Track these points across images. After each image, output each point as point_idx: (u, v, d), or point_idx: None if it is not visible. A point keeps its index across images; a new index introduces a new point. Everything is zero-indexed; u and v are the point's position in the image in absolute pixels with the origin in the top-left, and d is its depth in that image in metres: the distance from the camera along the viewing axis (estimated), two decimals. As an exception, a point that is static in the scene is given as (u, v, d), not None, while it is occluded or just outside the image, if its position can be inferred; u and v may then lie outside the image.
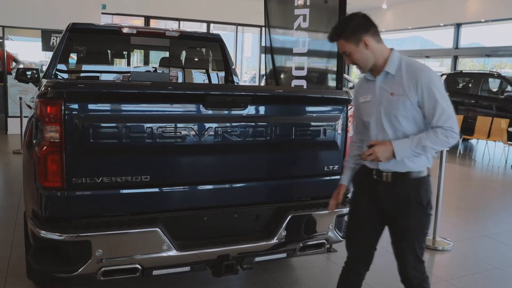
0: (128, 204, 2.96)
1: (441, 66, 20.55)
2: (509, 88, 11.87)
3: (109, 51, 6.55)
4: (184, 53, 6.81)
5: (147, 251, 2.90)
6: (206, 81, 6.79)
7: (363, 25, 2.73)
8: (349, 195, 3.18)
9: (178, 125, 2.95)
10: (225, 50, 6.16)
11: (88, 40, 5.92)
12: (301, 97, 3.51)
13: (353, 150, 3.07)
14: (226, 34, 22.26)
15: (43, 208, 2.79)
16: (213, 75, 6.70)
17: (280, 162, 3.36)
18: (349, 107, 3.48)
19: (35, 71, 5.49)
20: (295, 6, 5.20)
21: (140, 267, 2.89)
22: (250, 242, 3.21)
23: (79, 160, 2.77)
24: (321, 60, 5.21)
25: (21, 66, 12.41)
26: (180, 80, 6.75)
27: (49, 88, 2.70)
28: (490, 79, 12.70)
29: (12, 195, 6.38)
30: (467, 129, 11.29)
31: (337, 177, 3.51)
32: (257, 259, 3.27)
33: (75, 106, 2.71)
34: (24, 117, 8.79)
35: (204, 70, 6.87)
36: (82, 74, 6.48)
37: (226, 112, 3.09)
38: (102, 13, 14.09)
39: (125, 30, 5.51)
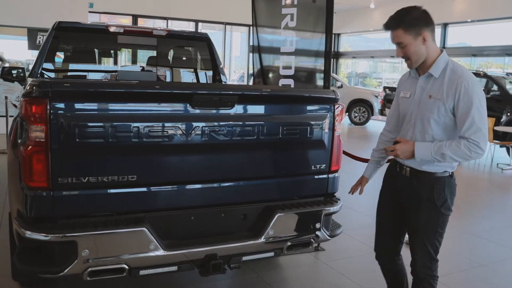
0: (114, 203, 2.94)
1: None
2: (495, 87, 11.97)
3: (96, 50, 6.52)
4: (171, 52, 6.79)
5: (134, 251, 2.88)
6: (194, 80, 6.78)
7: (424, 19, 2.72)
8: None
9: (165, 124, 2.93)
10: (213, 49, 6.15)
11: (75, 39, 5.88)
12: (288, 96, 3.50)
13: (380, 142, 3.25)
14: (215, 33, 22.25)
15: (28, 208, 2.76)
16: (201, 74, 6.69)
17: (267, 161, 3.35)
18: (336, 106, 3.48)
19: (20, 70, 5.43)
20: (282, 5, 5.19)
21: (127, 267, 2.88)
22: (237, 241, 3.20)
23: (65, 159, 2.75)
24: (308, 59, 5.21)
25: (6, 64, 12.29)
26: (168, 79, 6.73)
27: (34, 87, 2.67)
28: (477, 79, 12.79)
29: (-2, 195, 6.33)
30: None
31: (324, 176, 3.53)
32: (245, 258, 3.27)
33: (61, 105, 2.69)
34: (10, 116, 8.72)
35: (192, 69, 6.85)
36: (68, 73, 6.43)
37: (213, 111, 3.08)
38: (89, 12, 14.00)
39: (112, 29, 5.48)
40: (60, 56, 6.35)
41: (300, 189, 3.52)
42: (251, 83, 7.36)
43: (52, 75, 5.91)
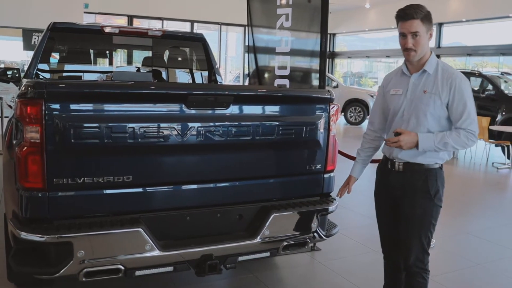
0: (110, 204, 2.94)
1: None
2: (490, 87, 12.00)
3: (91, 51, 6.50)
4: (167, 53, 6.79)
5: (130, 252, 2.88)
6: (190, 81, 6.77)
7: (432, 19, 2.92)
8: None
9: (161, 125, 2.93)
10: (208, 49, 6.14)
11: (70, 40, 5.87)
12: (284, 97, 3.51)
13: (365, 142, 3.35)
14: (210, 34, 22.23)
15: (23, 209, 2.75)
16: (197, 74, 6.68)
17: (263, 161, 3.36)
18: (331, 106, 3.49)
19: (16, 71, 5.42)
20: (277, 5, 5.19)
21: (122, 268, 2.87)
22: (233, 241, 3.20)
23: (60, 160, 2.74)
24: (304, 59, 5.21)
25: (1, 65, 12.26)
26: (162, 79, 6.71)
27: (29, 88, 2.66)
28: (472, 78, 12.83)
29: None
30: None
31: (320, 175, 3.54)
32: (241, 258, 3.27)
33: (56, 106, 2.68)
34: (5, 117, 8.70)
35: (188, 70, 6.85)
36: (64, 74, 6.42)
37: (208, 111, 3.08)
38: (85, 12, 14.00)
39: (107, 30, 5.47)
40: (55, 57, 6.33)
41: (296, 189, 3.52)
42: (246, 83, 7.35)
43: (47, 75, 5.90)
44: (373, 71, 27.43)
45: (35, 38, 11.81)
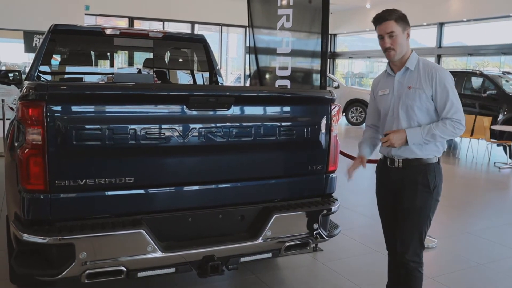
0: (112, 206, 2.94)
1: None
2: (491, 86, 11.99)
3: (92, 53, 6.51)
4: (168, 54, 6.79)
5: (132, 253, 2.88)
6: (191, 82, 6.77)
7: (407, 19, 3.07)
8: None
9: (162, 126, 2.93)
10: (209, 50, 6.15)
11: (71, 42, 5.88)
12: (285, 97, 3.51)
13: (366, 132, 3.45)
14: (211, 35, 22.24)
15: (25, 211, 2.76)
16: (198, 75, 6.69)
17: (264, 162, 3.36)
18: (332, 107, 3.49)
19: (17, 73, 5.43)
20: (278, 6, 5.19)
21: (125, 269, 2.87)
22: (235, 242, 3.20)
23: (62, 162, 2.75)
24: (305, 60, 5.21)
25: (3, 67, 12.28)
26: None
27: (30, 90, 2.67)
28: (473, 78, 12.83)
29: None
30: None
31: (322, 176, 3.54)
32: (243, 259, 3.27)
33: (58, 108, 2.69)
34: (7, 119, 8.69)
35: (189, 71, 6.85)
36: (65, 76, 6.42)
37: (209, 112, 3.08)
38: (86, 14, 14.00)
39: (108, 31, 5.48)
40: (56, 59, 6.34)
41: (297, 190, 3.52)
42: (247, 84, 7.35)
43: (49, 77, 5.90)
44: (374, 71, 27.40)
45: (36, 40, 11.82)
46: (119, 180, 2.89)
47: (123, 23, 20.76)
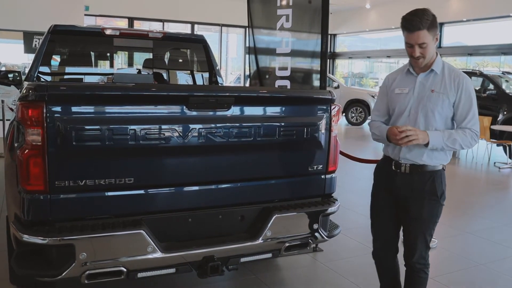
0: (112, 206, 2.94)
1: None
2: (491, 86, 11.99)
3: (92, 53, 6.51)
4: (168, 55, 6.79)
5: (132, 254, 2.88)
6: (190, 82, 6.77)
7: (437, 22, 2.87)
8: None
9: (162, 126, 2.93)
10: (209, 51, 6.15)
11: (71, 42, 5.88)
12: (285, 98, 3.51)
13: (377, 123, 3.20)
14: (211, 35, 22.24)
15: (25, 212, 2.75)
16: (197, 76, 6.69)
17: (264, 162, 3.35)
18: (332, 107, 3.49)
19: (17, 74, 5.42)
20: (278, 6, 5.19)
21: (125, 270, 2.87)
22: (235, 242, 3.20)
23: (62, 163, 2.74)
24: (304, 60, 5.22)
25: (3, 68, 12.28)
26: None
27: (30, 91, 2.67)
28: (473, 78, 12.82)
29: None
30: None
31: (322, 176, 3.53)
32: (243, 259, 3.26)
33: (57, 108, 2.69)
34: (7, 120, 8.70)
35: (189, 71, 6.85)
36: (65, 76, 6.42)
37: (209, 113, 3.08)
38: (85, 15, 14.00)
39: (108, 32, 5.48)
40: (56, 60, 6.34)
41: (297, 190, 3.52)
42: (247, 84, 7.35)
43: (49, 78, 5.90)
44: (374, 72, 27.43)
45: (36, 41, 11.82)
46: (119, 181, 2.89)
47: (123, 24, 20.77)
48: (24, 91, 2.74)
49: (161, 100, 3.01)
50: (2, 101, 9.52)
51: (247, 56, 7.17)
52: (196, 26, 22.23)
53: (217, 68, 6.26)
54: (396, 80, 3.12)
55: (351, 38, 27.55)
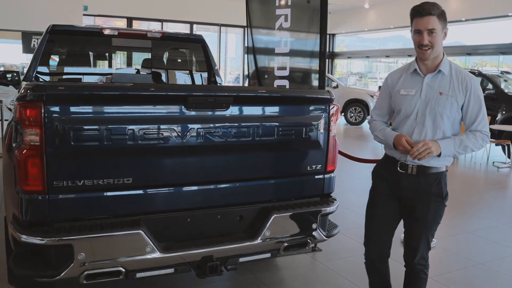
0: (110, 206, 2.94)
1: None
2: (490, 86, 12.00)
3: (90, 53, 6.51)
4: (166, 54, 6.79)
5: (131, 254, 2.88)
6: (189, 82, 6.77)
7: (446, 17, 2.90)
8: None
9: (160, 126, 2.93)
10: (208, 51, 6.15)
11: (69, 42, 5.87)
12: (283, 97, 3.51)
13: (378, 123, 3.15)
14: (210, 35, 22.24)
15: (24, 212, 2.75)
16: (196, 76, 6.69)
17: (263, 162, 3.35)
18: (331, 107, 3.48)
19: (15, 74, 5.42)
20: (276, 6, 5.19)
21: (123, 270, 2.87)
22: (234, 242, 3.20)
23: (60, 163, 2.74)
24: (303, 59, 5.21)
25: (1, 68, 12.27)
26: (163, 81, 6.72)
27: (28, 91, 2.66)
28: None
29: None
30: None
31: (320, 176, 3.53)
32: (242, 259, 3.26)
33: (55, 108, 2.68)
34: (5, 120, 8.70)
35: (187, 71, 6.85)
36: (63, 76, 6.42)
37: (208, 113, 3.08)
38: (84, 15, 13.99)
39: (106, 32, 5.47)
40: (54, 59, 6.33)
41: (296, 190, 3.52)
42: (246, 84, 7.35)
43: (47, 78, 5.90)
44: (372, 71, 27.44)
45: (34, 41, 11.81)
46: (118, 181, 2.88)
47: (122, 24, 20.76)
48: (22, 91, 2.74)
49: (159, 100, 3.01)
50: (1, 101, 9.53)
51: (245, 56, 7.17)
52: (195, 26, 22.24)
53: (216, 68, 6.26)
54: (401, 80, 3.03)
55: (350, 38, 27.56)
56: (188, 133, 2.99)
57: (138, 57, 8.03)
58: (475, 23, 19.41)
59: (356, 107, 18.03)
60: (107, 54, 7.14)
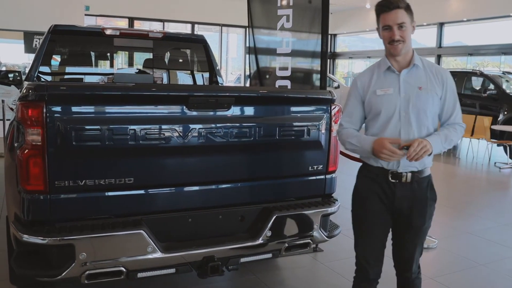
0: (112, 206, 2.94)
1: (425, 65, 20.66)
2: (491, 86, 11.99)
3: (92, 53, 6.51)
4: (168, 55, 6.79)
5: (132, 254, 2.88)
6: (187, 82, 6.77)
7: (412, 11, 2.73)
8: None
9: (162, 126, 2.93)
10: (209, 51, 6.15)
11: (71, 42, 5.88)
12: (285, 98, 3.51)
13: (350, 129, 2.86)
14: (211, 35, 22.23)
15: (25, 212, 2.76)
16: (198, 76, 6.69)
17: (264, 162, 3.35)
18: (333, 107, 3.48)
19: (17, 74, 5.43)
20: (278, 7, 5.19)
21: (124, 270, 2.88)
22: (235, 243, 3.20)
23: (62, 163, 2.74)
24: (305, 60, 5.21)
25: (3, 68, 12.27)
26: (165, 81, 6.73)
27: (30, 91, 2.67)
28: (473, 78, 12.83)
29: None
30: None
31: (322, 176, 3.53)
32: (243, 259, 3.27)
33: (57, 108, 2.69)
34: (7, 120, 8.69)
35: (189, 71, 6.85)
36: (65, 76, 6.42)
37: (209, 113, 3.08)
38: (86, 15, 13.99)
39: (108, 32, 5.48)
40: (56, 59, 6.34)
41: (297, 190, 3.52)
42: (247, 84, 7.35)
43: (49, 78, 5.90)
44: (374, 72, 27.33)
45: (36, 41, 11.82)
46: (119, 181, 2.89)
47: (123, 24, 20.76)
48: (24, 91, 2.75)
49: (161, 100, 3.01)
50: (3, 101, 9.53)
51: (247, 56, 7.17)
52: (196, 26, 22.22)
53: (217, 68, 6.26)
54: (374, 81, 2.81)
55: (351, 38, 27.52)
56: (189, 133, 2.99)
57: (140, 57, 8.03)
58: (476, 23, 19.38)
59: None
60: (108, 54, 7.14)
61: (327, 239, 3.55)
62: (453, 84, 2.81)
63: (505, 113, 11.23)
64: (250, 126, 3.18)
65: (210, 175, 3.17)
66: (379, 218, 2.85)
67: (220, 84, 6.15)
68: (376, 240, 2.91)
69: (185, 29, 22.09)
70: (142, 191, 2.99)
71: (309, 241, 3.44)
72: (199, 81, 6.62)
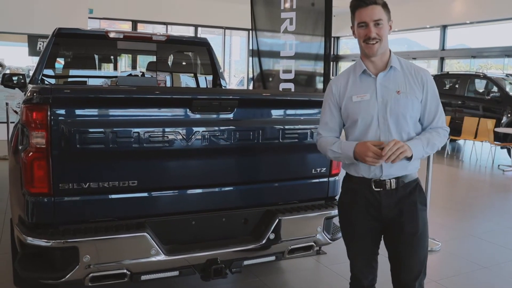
0: (116, 209, 2.95)
1: (428, 68, 20.70)
2: (495, 89, 11.97)
3: (96, 56, 6.53)
4: (171, 57, 6.81)
5: (135, 256, 2.89)
6: (194, 85, 6.79)
7: (389, 8, 2.58)
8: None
9: (165, 129, 2.94)
10: (212, 53, 6.16)
11: (75, 45, 5.90)
12: (288, 100, 3.51)
13: (330, 138, 2.70)
14: (214, 38, 22.25)
15: (29, 215, 2.76)
16: (201, 79, 6.70)
17: (267, 165, 3.36)
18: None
19: (21, 77, 5.45)
20: (281, 9, 5.21)
21: (128, 273, 2.88)
22: (238, 245, 3.20)
23: (66, 165, 2.75)
24: (308, 62, 5.23)
25: (7, 71, 12.31)
26: (168, 84, 6.75)
27: (34, 94, 2.68)
28: (476, 80, 12.81)
29: (-1, 201, 6.33)
30: (455, 130, 11.32)
31: (325, 179, 3.53)
32: (246, 262, 3.27)
33: (61, 111, 2.70)
34: (11, 122, 8.72)
35: (192, 74, 6.87)
36: (69, 79, 6.45)
37: (213, 116, 3.08)
38: (89, 18, 14.01)
39: (111, 35, 5.50)
40: (60, 62, 6.36)
41: (300, 193, 3.52)
42: (251, 87, 7.36)
43: (53, 81, 5.93)
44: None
45: (40, 44, 11.84)
46: (123, 183, 2.89)
47: (127, 27, 20.80)
48: (28, 94, 2.76)
49: (164, 103, 3.02)
50: (7, 104, 9.54)
51: (250, 59, 7.18)
52: (199, 29, 22.24)
53: (221, 71, 6.28)
54: (349, 85, 2.65)
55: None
56: (193, 136, 3.00)
57: (143, 60, 8.06)
58: (480, 25, 19.35)
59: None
60: (112, 57, 7.17)
61: (330, 241, 3.55)
62: (434, 86, 2.62)
63: (509, 115, 11.20)
64: (253, 129, 3.18)
65: (213, 178, 3.17)
66: (365, 229, 2.71)
67: (223, 87, 6.16)
68: (367, 250, 2.79)
69: (189, 32, 22.12)
70: (145, 194, 3.00)
71: (313, 243, 3.44)
72: (203, 84, 6.64)
